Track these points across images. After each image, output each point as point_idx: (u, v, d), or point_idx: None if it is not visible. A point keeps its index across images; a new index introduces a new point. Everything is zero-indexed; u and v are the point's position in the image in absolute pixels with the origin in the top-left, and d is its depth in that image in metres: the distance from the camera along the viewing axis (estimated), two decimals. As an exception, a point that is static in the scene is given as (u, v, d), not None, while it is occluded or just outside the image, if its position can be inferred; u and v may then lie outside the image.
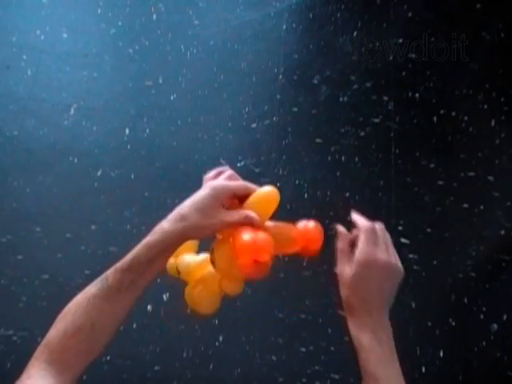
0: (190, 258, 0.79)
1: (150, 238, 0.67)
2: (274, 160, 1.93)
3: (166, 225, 0.68)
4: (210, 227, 0.68)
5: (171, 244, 0.68)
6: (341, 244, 0.74)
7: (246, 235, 0.67)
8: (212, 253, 0.72)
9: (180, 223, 0.67)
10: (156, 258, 0.67)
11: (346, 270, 0.71)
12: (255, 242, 0.66)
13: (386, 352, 0.68)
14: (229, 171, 0.76)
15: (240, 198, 0.72)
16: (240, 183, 0.73)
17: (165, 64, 2.07)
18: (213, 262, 0.72)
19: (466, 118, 2.03)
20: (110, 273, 0.69)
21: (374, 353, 0.67)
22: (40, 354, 0.65)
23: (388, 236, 0.73)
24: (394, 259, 0.72)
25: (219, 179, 0.74)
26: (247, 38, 2.14)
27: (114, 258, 1.99)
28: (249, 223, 0.68)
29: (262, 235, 0.67)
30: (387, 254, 0.71)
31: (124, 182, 1.86)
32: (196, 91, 2.02)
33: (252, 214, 0.69)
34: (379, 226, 0.74)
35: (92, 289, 0.68)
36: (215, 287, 0.76)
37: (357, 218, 0.75)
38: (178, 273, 0.79)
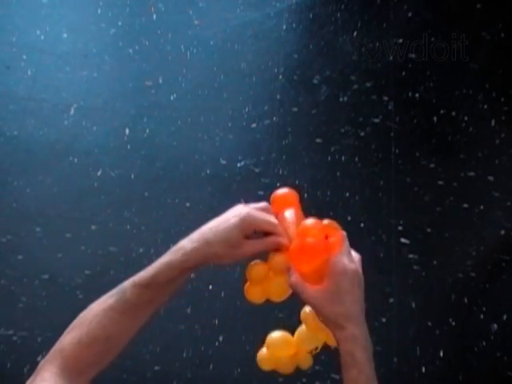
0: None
1: (171, 258, 0.67)
2: (274, 160, 1.93)
3: (188, 246, 0.67)
4: (231, 257, 0.69)
5: (191, 266, 0.68)
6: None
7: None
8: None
9: (202, 248, 0.67)
10: (175, 279, 0.68)
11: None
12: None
13: (372, 368, 0.66)
14: (264, 203, 0.74)
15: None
16: (267, 220, 0.71)
17: (165, 64, 2.07)
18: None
19: (466, 118, 2.03)
20: (127, 286, 0.67)
21: (366, 370, 0.65)
22: (53, 358, 0.65)
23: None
24: (358, 264, 0.71)
25: (249, 207, 0.72)
26: (247, 38, 2.14)
27: (113, 258, 2.00)
28: (274, 248, 0.70)
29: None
30: (353, 261, 0.70)
31: (124, 182, 1.86)
32: (196, 91, 2.02)
33: (278, 239, 0.70)
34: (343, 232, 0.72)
35: (109, 300, 0.67)
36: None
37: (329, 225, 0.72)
38: None
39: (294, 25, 2.18)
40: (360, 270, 0.71)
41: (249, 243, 0.69)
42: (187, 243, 0.68)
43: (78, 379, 0.64)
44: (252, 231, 0.70)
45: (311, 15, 2.21)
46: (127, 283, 0.68)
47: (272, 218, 0.72)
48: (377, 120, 2.02)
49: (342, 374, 0.67)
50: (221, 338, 1.65)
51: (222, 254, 0.68)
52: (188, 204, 1.83)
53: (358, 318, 0.68)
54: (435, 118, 2.03)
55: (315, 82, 2.07)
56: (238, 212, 0.70)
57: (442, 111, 2.04)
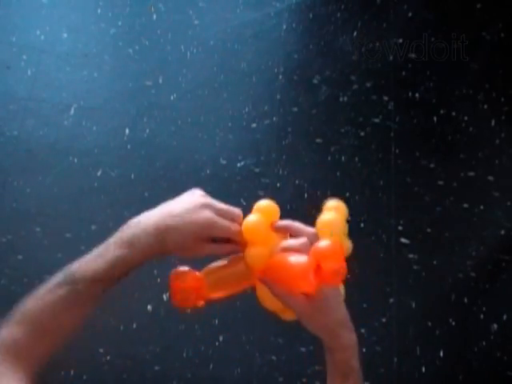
0: None
1: (126, 253, 0.65)
2: (274, 160, 1.93)
3: (144, 240, 0.65)
4: (189, 255, 0.68)
5: (148, 259, 0.67)
6: None
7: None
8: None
9: (162, 240, 0.66)
10: (130, 271, 0.66)
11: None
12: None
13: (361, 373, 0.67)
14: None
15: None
16: (225, 225, 0.69)
17: (165, 64, 2.07)
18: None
19: (465, 118, 2.03)
20: (79, 277, 0.66)
21: (359, 377, 0.66)
22: (6, 351, 0.63)
23: None
24: None
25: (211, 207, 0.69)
26: (247, 38, 2.14)
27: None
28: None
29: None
30: None
31: (124, 182, 1.86)
32: (196, 91, 2.02)
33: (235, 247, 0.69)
34: None
35: (60, 291, 0.65)
36: None
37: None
38: None
39: (294, 25, 2.18)
40: None
41: (207, 246, 0.68)
42: (143, 236, 0.66)
43: (27, 369, 0.62)
44: (211, 236, 0.68)
45: (311, 15, 2.21)
46: (78, 272, 0.66)
47: (234, 226, 0.69)
48: (377, 120, 2.02)
49: (332, 381, 0.66)
50: (221, 338, 1.65)
51: (181, 245, 0.67)
52: (188, 204, 1.83)
53: (350, 324, 0.67)
54: (435, 118, 2.03)
55: (315, 81, 2.07)
56: (196, 217, 0.67)
57: (442, 111, 2.04)
